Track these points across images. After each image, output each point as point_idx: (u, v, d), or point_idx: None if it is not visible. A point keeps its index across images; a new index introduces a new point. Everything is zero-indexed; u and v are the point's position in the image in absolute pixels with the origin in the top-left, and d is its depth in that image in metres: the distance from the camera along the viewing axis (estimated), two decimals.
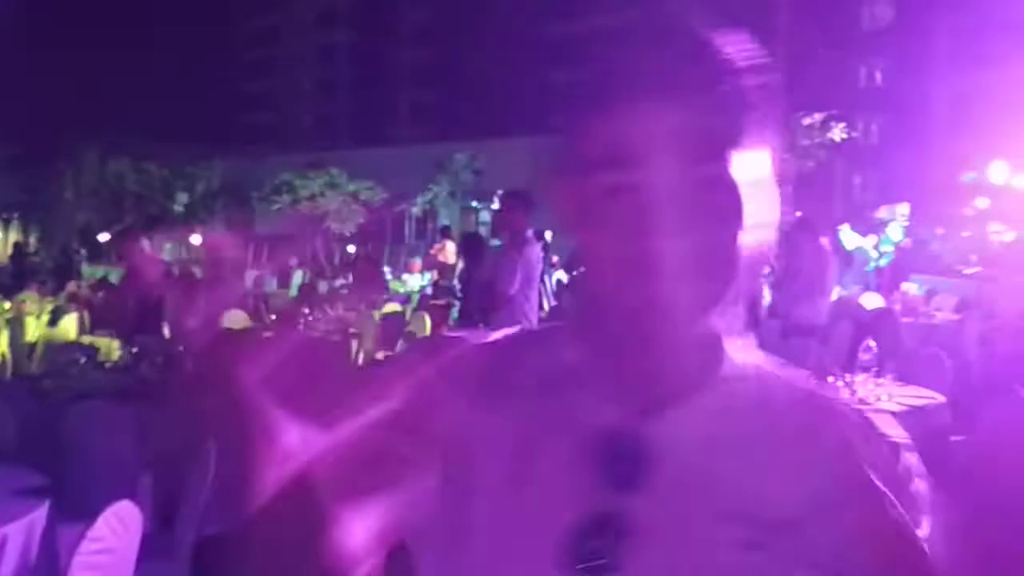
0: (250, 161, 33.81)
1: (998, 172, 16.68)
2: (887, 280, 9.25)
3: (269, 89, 57.40)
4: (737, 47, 0.77)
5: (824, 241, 7.54)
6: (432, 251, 13.78)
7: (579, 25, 44.15)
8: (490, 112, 39.82)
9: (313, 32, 55.69)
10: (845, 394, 4.04)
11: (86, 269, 18.24)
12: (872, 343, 4.74)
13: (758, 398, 0.84)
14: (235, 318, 7.64)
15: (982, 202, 17.64)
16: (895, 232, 16.13)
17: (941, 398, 4.44)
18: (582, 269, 0.82)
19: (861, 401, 4.17)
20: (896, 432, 2.80)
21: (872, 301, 9.05)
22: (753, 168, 0.77)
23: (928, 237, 16.80)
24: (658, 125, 0.74)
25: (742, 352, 0.87)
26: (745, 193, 0.76)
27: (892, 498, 0.80)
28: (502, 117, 37.59)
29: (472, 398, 0.85)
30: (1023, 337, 7.37)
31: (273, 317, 7.94)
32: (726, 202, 0.75)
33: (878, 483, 0.80)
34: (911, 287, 9.48)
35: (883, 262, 13.92)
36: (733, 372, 0.85)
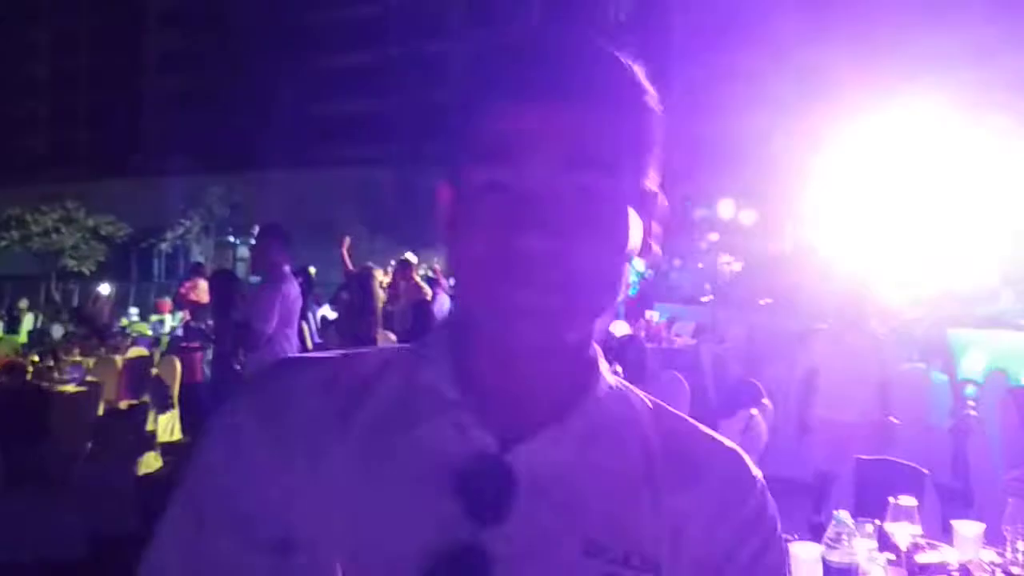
0: None
1: (726, 208, 18.27)
2: (632, 308, 9.85)
3: None
4: (625, 66, 0.77)
5: None
6: (183, 290, 13.07)
7: (344, 59, 44.18)
8: (247, 143, 38.60)
9: (49, 55, 51.57)
10: None
11: None
12: (619, 368, 5.03)
13: (632, 425, 0.81)
14: None
15: (713, 236, 19.24)
16: (638, 264, 17.24)
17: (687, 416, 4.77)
18: (452, 280, 0.78)
19: None
20: None
21: (620, 328, 9.62)
22: (627, 188, 0.75)
23: (668, 268, 18.09)
24: (534, 125, 0.72)
25: (612, 375, 0.84)
26: (617, 211, 0.74)
27: (771, 545, 0.79)
28: (260, 149, 36.60)
29: (301, 443, 0.77)
30: (751, 360, 8.10)
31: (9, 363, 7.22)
32: (598, 213, 0.73)
33: (760, 530, 0.79)
34: (654, 315, 10.16)
35: (629, 292, 14.82)
36: (606, 395, 0.81)
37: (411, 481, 0.75)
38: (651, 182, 0.79)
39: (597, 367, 0.82)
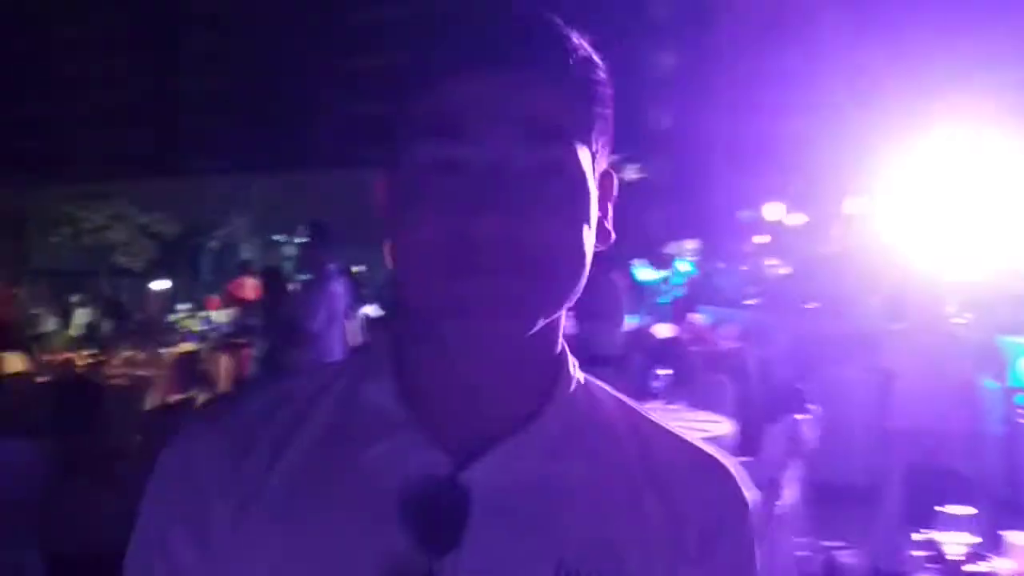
0: (24, 190, 31.43)
1: (771, 210, 18.07)
2: (677, 311, 9.78)
3: (48, 113, 53.61)
4: (577, 40, 0.71)
5: (620, 274, 7.90)
6: (231, 287, 13.26)
7: (394, 57, 44.46)
8: (295, 142, 39.05)
9: (98, 56, 52.60)
10: None
11: None
12: (664, 371, 4.99)
13: (603, 430, 0.73)
14: (11, 361, 7.06)
15: (759, 238, 19.03)
16: (684, 266, 17.15)
17: (729, 422, 4.73)
18: (393, 274, 0.69)
19: None
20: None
21: (663, 331, 9.55)
22: (585, 167, 0.69)
23: (712, 271, 17.92)
24: (491, 96, 0.65)
25: (580, 374, 0.76)
26: (580, 188, 0.68)
27: (750, 558, 0.74)
28: (308, 147, 37.00)
29: (199, 517, 0.69)
30: (798, 364, 7.99)
31: (50, 359, 7.39)
32: (561, 190, 0.66)
33: (745, 544, 0.74)
34: (699, 317, 10.07)
35: (673, 294, 14.72)
36: (575, 398, 0.73)
37: (351, 518, 0.67)
38: (606, 161, 0.74)
39: (565, 365, 0.74)
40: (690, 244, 24.50)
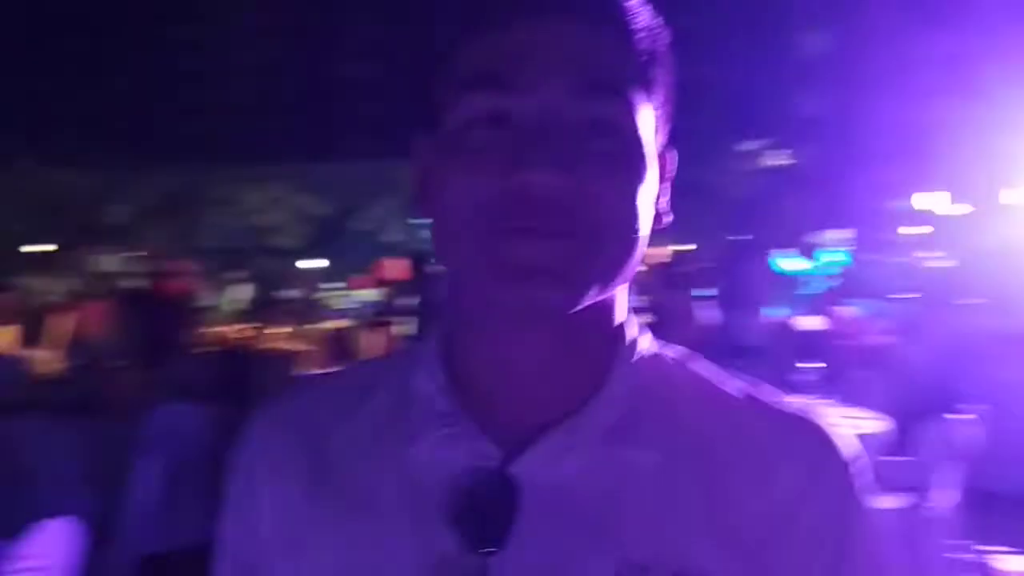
0: (190, 173, 33.36)
1: (930, 200, 17.19)
2: (825, 302, 9.45)
3: (210, 99, 56.59)
4: None
5: (764, 264, 7.68)
6: (377, 268, 13.70)
7: None
8: None
9: (256, 43, 55.13)
10: None
11: (23, 281, 17.81)
12: (808, 364, 4.84)
13: (674, 411, 0.66)
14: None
15: (915, 229, 18.13)
16: (832, 256, 16.54)
17: (882, 420, 4.55)
18: (435, 245, 0.63)
19: None
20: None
21: (809, 323, 9.24)
22: (643, 131, 0.63)
23: (863, 261, 17.21)
24: (542, 44, 0.60)
25: (656, 348, 0.69)
26: (637, 148, 0.62)
27: (865, 546, 0.64)
28: None
29: (289, 464, 0.68)
30: (958, 362, 7.59)
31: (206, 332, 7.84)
32: (617, 149, 0.61)
33: (836, 507, 0.64)
34: (848, 309, 9.71)
35: (821, 285, 14.24)
36: (640, 374, 0.66)
37: (398, 516, 0.63)
38: (666, 133, 0.68)
39: (624, 340, 0.67)
40: (838, 234, 23.62)
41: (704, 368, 0.70)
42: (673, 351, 0.71)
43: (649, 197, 0.64)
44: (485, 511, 0.61)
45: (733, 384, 0.69)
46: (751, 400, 0.68)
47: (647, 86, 0.64)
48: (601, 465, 0.62)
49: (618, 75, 0.62)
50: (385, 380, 0.70)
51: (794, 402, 0.68)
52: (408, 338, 6.35)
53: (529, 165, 0.58)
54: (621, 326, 0.68)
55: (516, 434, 0.63)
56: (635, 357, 0.67)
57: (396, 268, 12.58)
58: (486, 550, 0.60)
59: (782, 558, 0.62)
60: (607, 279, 0.62)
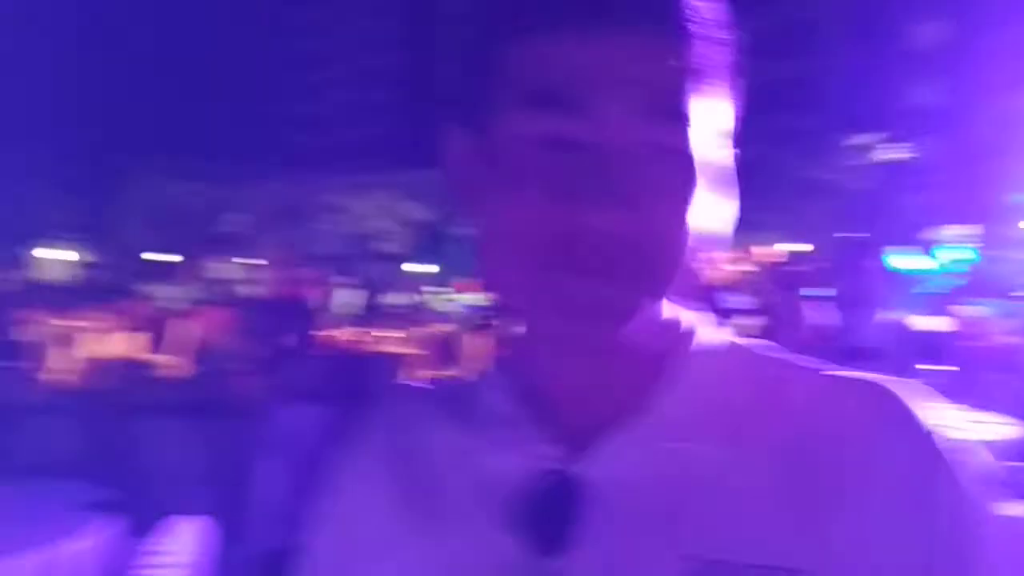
0: (300, 181, 34.48)
1: None
2: (947, 302, 9.06)
3: (318, 110, 58.29)
4: (717, 7, 0.60)
5: (881, 262, 7.43)
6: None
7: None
8: None
9: (361, 53, 56.54)
10: None
11: (150, 288, 18.70)
12: (934, 366, 4.65)
13: (743, 402, 0.62)
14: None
15: None
16: (954, 253, 15.85)
17: (1014, 423, 4.34)
18: (486, 256, 0.61)
19: None
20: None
21: (933, 323, 8.87)
22: (713, 145, 0.60)
23: (986, 259, 16.47)
24: (610, 60, 0.55)
25: (725, 338, 0.66)
26: (693, 178, 0.58)
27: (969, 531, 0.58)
28: None
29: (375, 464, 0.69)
30: None
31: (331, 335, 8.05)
32: (681, 181, 0.58)
33: (906, 472, 0.58)
34: (972, 309, 9.28)
35: (943, 284, 13.67)
36: (705, 373, 0.64)
37: (466, 522, 0.62)
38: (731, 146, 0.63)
39: (686, 332, 0.64)
40: (960, 230, 22.63)
41: (779, 356, 0.66)
42: (747, 342, 0.68)
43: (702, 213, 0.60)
44: (550, 514, 0.60)
45: (809, 370, 0.64)
46: (829, 384, 0.63)
47: (717, 98, 0.60)
48: (666, 461, 0.60)
49: (687, 95, 0.57)
50: (458, 384, 0.71)
51: (879, 382, 0.62)
52: None
53: (594, 203, 0.55)
54: (680, 318, 0.66)
55: (578, 434, 0.62)
56: (699, 348, 0.65)
57: None
58: (551, 553, 0.59)
59: (868, 546, 0.57)
60: (657, 307, 0.61)
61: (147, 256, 25.99)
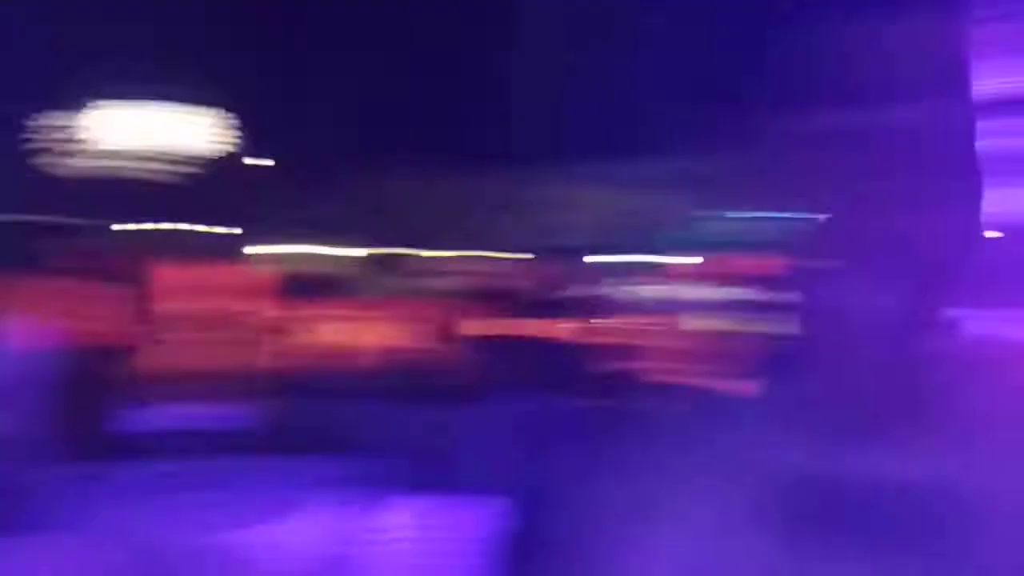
0: (472, 177, 34.68)
1: None
2: None
3: (483, 108, 57.80)
4: None
5: None
6: (721, 262, 13.38)
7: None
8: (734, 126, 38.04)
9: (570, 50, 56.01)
10: None
11: (389, 281, 19.61)
12: None
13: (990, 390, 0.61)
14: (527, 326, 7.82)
15: None
16: None
17: None
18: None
19: None
20: None
21: None
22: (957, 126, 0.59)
23: None
24: (895, 50, 0.55)
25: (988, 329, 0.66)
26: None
27: None
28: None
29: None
30: None
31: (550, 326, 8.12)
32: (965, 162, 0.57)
33: None
34: None
35: None
36: (955, 365, 0.61)
37: (728, 520, 0.61)
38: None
39: (933, 332, 0.61)
40: None
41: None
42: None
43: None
44: (803, 513, 0.59)
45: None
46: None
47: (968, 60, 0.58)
48: (919, 464, 0.59)
49: (957, 62, 0.57)
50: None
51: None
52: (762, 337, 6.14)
53: (912, 202, 0.55)
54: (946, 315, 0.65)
55: (830, 434, 0.61)
56: (946, 349, 0.63)
57: (743, 264, 12.30)
58: (805, 552, 0.58)
59: None
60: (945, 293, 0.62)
61: (392, 251, 27.18)
